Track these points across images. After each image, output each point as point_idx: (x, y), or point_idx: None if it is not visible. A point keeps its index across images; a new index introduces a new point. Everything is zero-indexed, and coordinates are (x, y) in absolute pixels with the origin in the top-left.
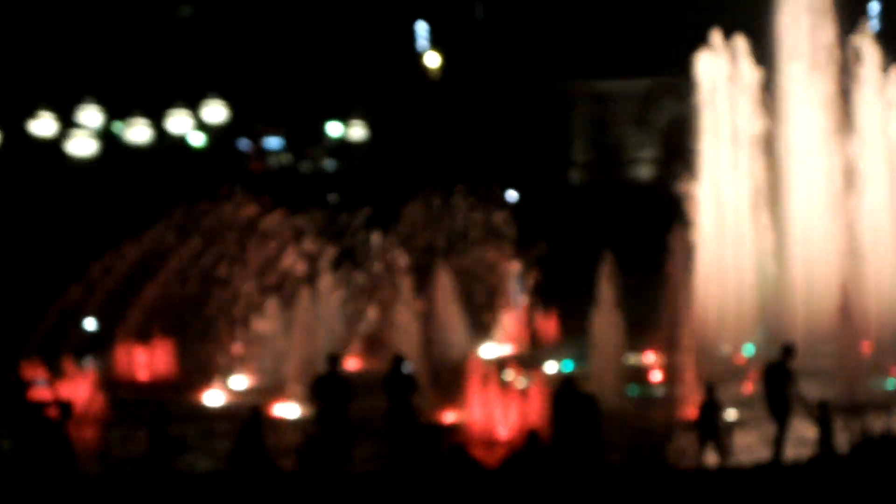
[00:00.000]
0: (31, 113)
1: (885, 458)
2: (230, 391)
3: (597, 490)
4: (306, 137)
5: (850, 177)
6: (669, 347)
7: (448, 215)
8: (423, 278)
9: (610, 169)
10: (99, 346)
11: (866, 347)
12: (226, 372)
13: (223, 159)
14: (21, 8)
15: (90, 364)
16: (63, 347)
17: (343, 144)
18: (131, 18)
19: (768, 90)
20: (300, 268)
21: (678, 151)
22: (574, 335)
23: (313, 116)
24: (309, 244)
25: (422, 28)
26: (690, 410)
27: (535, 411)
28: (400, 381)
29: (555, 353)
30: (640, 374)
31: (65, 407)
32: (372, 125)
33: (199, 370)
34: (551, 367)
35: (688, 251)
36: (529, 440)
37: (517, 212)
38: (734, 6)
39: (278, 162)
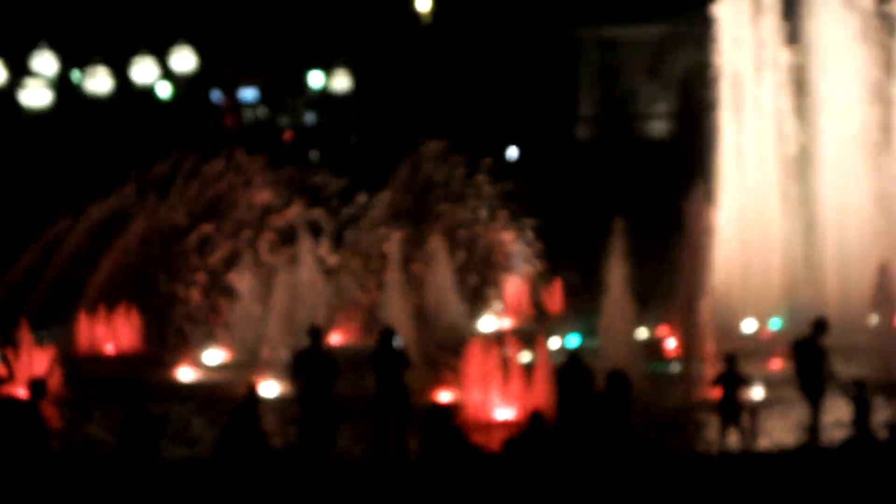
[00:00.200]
0: None
1: None
2: (203, 367)
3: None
4: (285, 88)
5: (888, 134)
6: (686, 321)
7: (441, 175)
8: (414, 244)
9: (620, 124)
10: (58, 316)
11: None
12: (198, 346)
13: (193, 112)
14: None
15: (48, 336)
16: (18, 318)
17: (325, 96)
18: None
19: (795, 40)
20: (279, 232)
21: (695, 105)
22: (581, 307)
23: (292, 65)
24: (288, 206)
25: None
26: (710, 389)
27: (539, 390)
28: (390, 358)
29: (560, 327)
30: (653, 349)
31: (37, 385)
32: (357, 75)
33: (169, 343)
34: (556, 341)
35: (707, 215)
36: (532, 422)
37: (518, 171)
38: None
39: (254, 115)
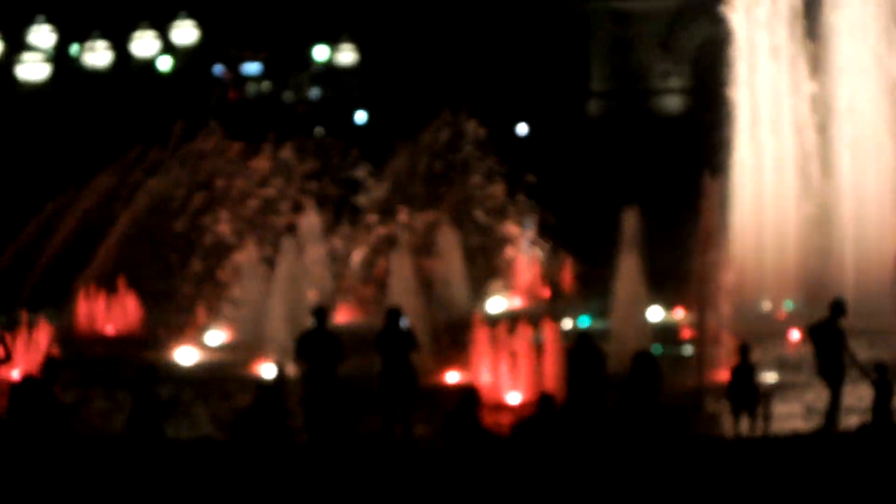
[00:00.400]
0: None
1: None
2: (205, 347)
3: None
4: (289, 63)
5: None
6: (701, 302)
7: (449, 151)
8: (421, 222)
9: (632, 99)
10: (57, 295)
11: None
12: (200, 326)
13: (194, 86)
14: None
15: (47, 317)
16: (16, 297)
17: (330, 70)
18: None
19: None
20: (283, 209)
21: (710, 80)
22: (592, 287)
23: (297, 39)
24: (292, 182)
25: None
26: (723, 373)
27: (548, 372)
28: (396, 338)
29: (570, 308)
30: (666, 331)
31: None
32: (362, 49)
33: (170, 324)
34: (566, 322)
35: (722, 193)
36: (542, 404)
37: (528, 146)
38: None
39: (257, 90)
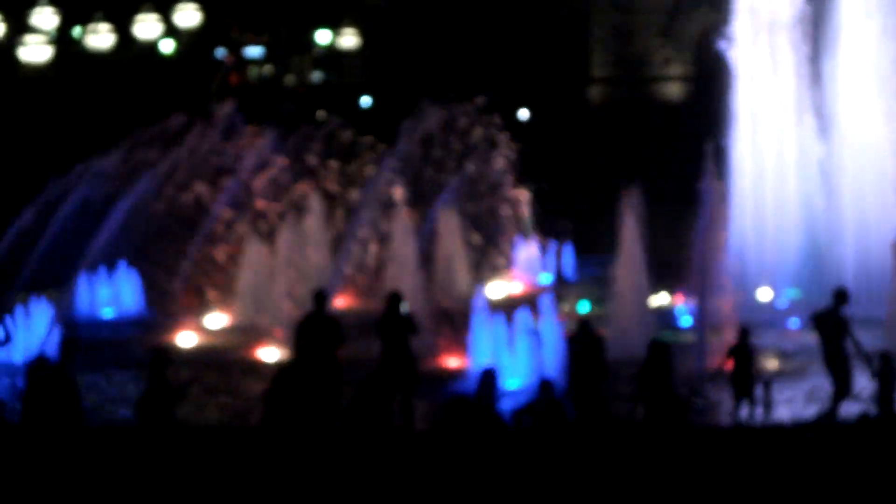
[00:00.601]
0: None
1: None
2: (205, 331)
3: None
4: (291, 46)
5: None
6: (701, 289)
7: (450, 135)
8: (422, 206)
9: (633, 86)
10: (57, 278)
11: None
12: (200, 309)
13: (196, 69)
14: None
15: (47, 299)
16: (15, 279)
17: (332, 54)
18: None
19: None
20: (282, 192)
21: (711, 67)
22: (592, 273)
23: (299, 22)
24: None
25: None
26: (723, 360)
27: (548, 358)
28: (397, 323)
29: (571, 293)
30: (666, 318)
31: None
32: (365, 33)
33: (170, 307)
34: (566, 308)
35: (723, 180)
36: (541, 390)
37: (529, 132)
38: None
39: (259, 73)
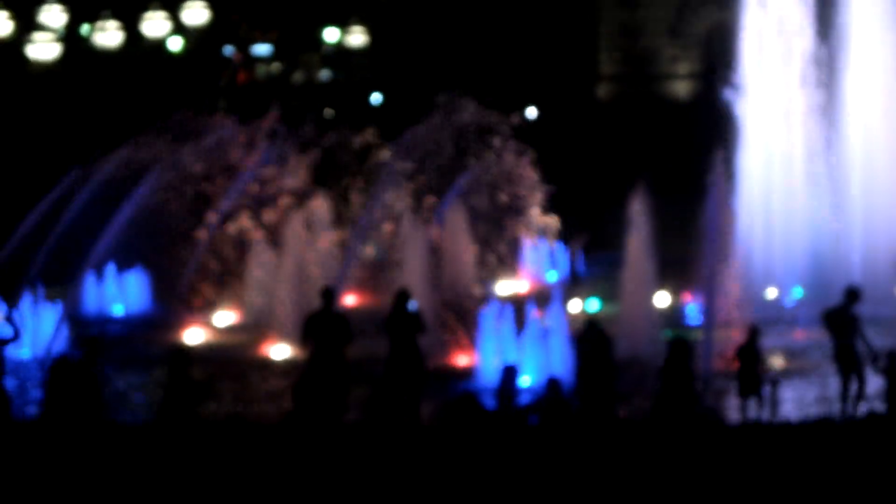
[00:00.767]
0: None
1: None
2: (213, 328)
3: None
4: (299, 44)
5: None
6: (708, 288)
7: (458, 133)
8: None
9: (641, 84)
10: (66, 275)
11: None
12: (208, 307)
13: (205, 67)
14: None
15: (56, 296)
16: (25, 276)
17: (340, 52)
18: None
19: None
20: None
21: (719, 65)
22: (601, 271)
23: (307, 20)
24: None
25: None
26: (731, 358)
27: (556, 356)
28: (404, 321)
29: (579, 291)
30: (674, 316)
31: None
32: (373, 31)
33: (178, 304)
34: (574, 306)
35: (731, 179)
36: (549, 389)
37: (537, 130)
38: None
39: (267, 71)
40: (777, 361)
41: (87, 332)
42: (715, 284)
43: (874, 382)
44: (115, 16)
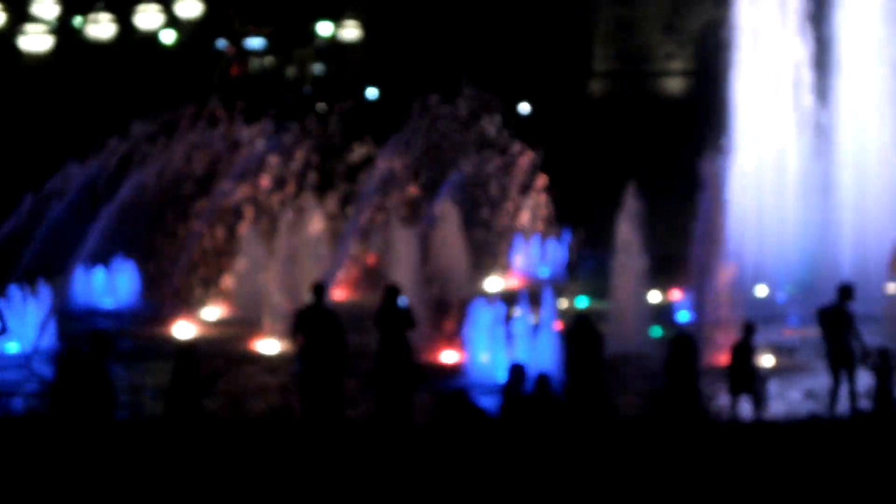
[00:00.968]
0: None
1: None
2: (202, 323)
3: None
4: (292, 38)
5: None
6: (699, 285)
7: (451, 128)
8: (421, 198)
9: (635, 80)
10: (55, 268)
11: None
12: (197, 301)
13: (197, 60)
14: None
15: (44, 289)
16: (13, 269)
17: (334, 46)
18: None
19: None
20: (282, 184)
21: (713, 62)
22: (591, 268)
23: (301, 14)
24: (293, 158)
25: None
26: (722, 355)
27: (545, 353)
28: (394, 316)
29: (568, 288)
30: (664, 313)
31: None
32: (366, 25)
33: (167, 298)
34: (564, 302)
35: (722, 176)
36: (538, 385)
37: (530, 126)
38: None
39: (260, 65)
40: (767, 359)
41: (94, 326)
42: (706, 282)
43: (864, 380)
44: (108, 8)
